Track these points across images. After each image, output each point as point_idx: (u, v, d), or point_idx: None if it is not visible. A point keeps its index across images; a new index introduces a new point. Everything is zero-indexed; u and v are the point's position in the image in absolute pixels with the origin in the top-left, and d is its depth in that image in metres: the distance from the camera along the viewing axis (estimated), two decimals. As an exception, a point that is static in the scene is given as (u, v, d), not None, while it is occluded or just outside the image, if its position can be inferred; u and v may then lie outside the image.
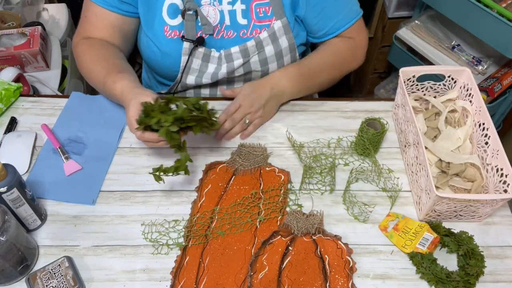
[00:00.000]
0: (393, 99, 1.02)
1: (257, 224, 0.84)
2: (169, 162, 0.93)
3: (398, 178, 0.91)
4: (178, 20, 0.97)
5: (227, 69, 1.01)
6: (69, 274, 0.75)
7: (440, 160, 0.88)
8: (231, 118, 0.95)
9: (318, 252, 0.79)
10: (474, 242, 0.79)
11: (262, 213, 0.85)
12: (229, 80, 1.05)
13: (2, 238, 0.69)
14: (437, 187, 0.86)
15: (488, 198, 0.77)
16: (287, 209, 0.86)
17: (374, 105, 1.05)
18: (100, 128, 0.99)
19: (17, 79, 1.14)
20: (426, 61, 1.65)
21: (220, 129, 0.95)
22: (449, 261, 0.80)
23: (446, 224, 0.83)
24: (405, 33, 1.69)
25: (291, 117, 1.03)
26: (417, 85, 0.98)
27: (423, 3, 1.69)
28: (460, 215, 0.82)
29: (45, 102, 1.06)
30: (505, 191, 0.79)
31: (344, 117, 1.03)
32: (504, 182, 0.79)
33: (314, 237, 0.81)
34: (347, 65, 1.09)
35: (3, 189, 0.73)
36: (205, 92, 1.08)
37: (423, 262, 0.77)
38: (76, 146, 0.96)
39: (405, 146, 0.93)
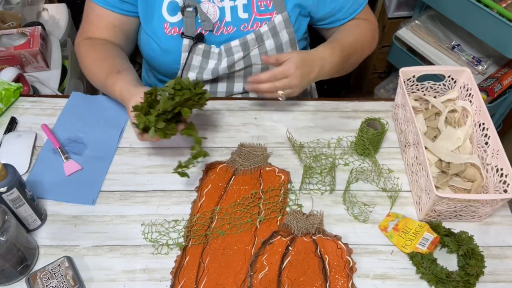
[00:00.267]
0: (393, 99, 1.02)
1: (257, 224, 0.84)
2: (170, 162, 0.93)
3: (398, 178, 0.91)
4: (178, 17, 0.97)
5: (228, 63, 1.01)
6: (69, 274, 0.75)
7: (440, 160, 0.88)
8: (273, 84, 0.91)
9: (318, 252, 0.79)
10: (474, 242, 0.79)
11: (262, 213, 0.85)
12: (230, 75, 1.05)
13: (2, 238, 0.69)
14: (437, 187, 0.86)
15: (488, 198, 0.77)
16: (287, 209, 0.86)
17: (374, 105, 1.05)
18: (100, 128, 0.99)
19: (17, 79, 1.14)
20: (426, 61, 1.65)
21: (256, 84, 0.92)
22: (449, 261, 0.80)
23: (446, 224, 0.83)
24: (405, 33, 1.69)
25: (291, 117, 1.03)
26: (417, 85, 0.98)
27: (423, 3, 1.68)
28: (460, 215, 0.82)
29: (45, 102, 1.06)
30: (505, 191, 0.79)
31: (344, 117, 1.03)
32: (504, 182, 0.79)
33: (314, 237, 0.81)
34: (369, 46, 1.08)
35: (3, 189, 0.73)
36: (206, 88, 1.08)
37: (423, 262, 0.77)
38: (76, 146, 0.96)
39: (405, 146, 0.93)
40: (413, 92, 0.99)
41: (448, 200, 0.77)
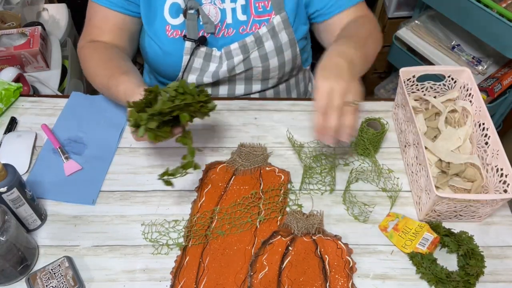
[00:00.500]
0: (393, 99, 1.02)
1: (257, 224, 0.84)
2: (170, 162, 0.93)
3: (398, 178, 0.91)
4: (180, 19, 0.97)
5: (228, 66, 1.01)
6: (69, 274, 0.75)
7: (440, 160, 0.88)
8: (332, 109, 0.73)
9: (318, 252, 0.79)
10: (474, 242, 0.79)
11: (262, 213, 0.85)
12: (230, 78, 1.05)
13: (2, 238, 0.69)
14: (437, 187, 0.86)
15: (488, 198, 0.77)
16: (287, 209, 0.86)
17: (374, 105, 1.05)
18: (100, 128, 0.99)
19: (17, 79, 1.14)
20: (426, 61, 1.65)
21: (322, 127, 0.75)
22: (449, 261, 0.80)
23: (446, 224, 0.83)
24: (405, 33, 1.69)
25: (291, 117, 1.03)
26: (417, 85, 0.98)
27: (423, 3, 1.69)
28: (460, 215, 0.82)
29: (45, 102, 1.06)
30: (505, 191, 0.79)
31: (344, 117, 1.03)
32: (504, 182, 0.79)
33: (314, 237, 0.81)
34: (379, 44, 1.01)
35: (3, 189, 0.73)
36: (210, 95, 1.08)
37: (423, 262, 0.77)
38: (76, 146, 0.96)
39: (405, 146, 0.93)
40: (413, 92, 0.99)
41: (448, 200, 0.77)
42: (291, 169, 0.92)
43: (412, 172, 0.88)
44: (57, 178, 0.90)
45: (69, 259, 0.77)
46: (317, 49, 1.11)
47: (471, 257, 0.77)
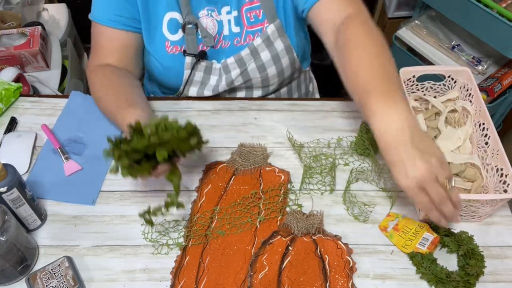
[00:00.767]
0: (393, 99, 1.02)
1: (257, 224, 0.84)
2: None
3: (398, 178, 0.91)
4: (179, 35, 0.97)
5: (226, 80, 1.01)
6: (69, 274, 0.75)
7: (440, 160, 0.88)
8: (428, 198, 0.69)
9: (318, 252, 0.79)
10: (474, 242, 0.79)
11: (262, 213, 0.85)
12: (231, 90, 1.05)
13: (2, 238, 0.69)
14: (437, 187, 0.86)
15: (488, 198, 0.77)
16: (287, 209, 0.86)
17: (374, 105, 1.05)
18: (100, 128, 0.99)
19: (17, 79, 1.14)
20: (426, 61, 1.65)
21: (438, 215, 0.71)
22: (449, 261, 0.79)
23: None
24: (405, 33, 1.69)
25: (291, 117, 1.03)
26: (417, 85, 0.98)
27: (423, 3, 1.69)
28: (460, 215, 0.82)
29: (45, 102, 1.06)
30: (505, 191, 0.79)
31: (344, 117, 1.03)
32: (504, 182, 0.79)
33: (314, 237, 0.81)
34: (386, 48, 0.83)
35: (3, 189, 0.73)
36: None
37: (423, 262, 0.77)
38: (76, 146, 0.96)
39: (405, 146, 0.93)
40: (413, 92, 0.99)
41: (448, 200, 0.77)
42: (291, 169, 0.92)
43: (412, 172, 0.88)
44: (57, 178, 0.90)
45: (69, 259, 0.77)
46: (317, 49, 1.11)
47: (471, 257, 0.77)
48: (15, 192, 0.75)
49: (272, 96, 1.12)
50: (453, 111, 0.96)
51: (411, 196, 0.69)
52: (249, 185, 0.89)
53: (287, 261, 0.79)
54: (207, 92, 1.03)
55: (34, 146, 0.95)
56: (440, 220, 0.71)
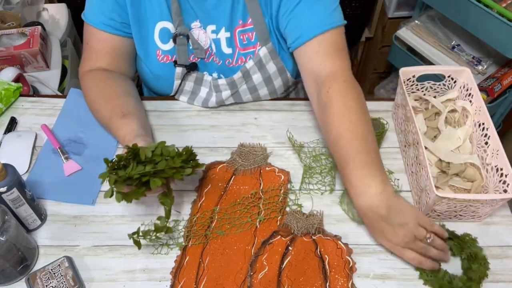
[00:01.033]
0: (393, 99, 1.02)
1: (257, 224, 0.84)
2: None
3: (398, 179, 0.91)
4: (170, 44, 0.96)
5: (216, 98, 1.01)
6: (69, 274, 0.75)
7: (440, 160, 0.88)
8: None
9: (318, 252, 0.79)
10: (478, 245, 0.79)
11: (262, 213, 0.85)
12: (222, 105, 1.05)
13: (2, 238, 0.69)
14: (437, 187, 0.86)
15: (488, 198, 0.77)
16: (287, 209, 0.86)
17: (374, 105, 1.05)
18: (100, 128, 0.98)
19: (17, 79, 1.14)
20: (426, 61, 1.65)
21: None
22: (453, 264, 0.79)
23: (446, 224, 0.83)
24: (405, 33, 1.69)
25: (291, 117, 1.03)
26: (417, 85, 0.98)
27: (423, 3, 1.69)
28: (460, 215, 0.82)
29: (45, 102, 1.06)
30: (505, 191, 0.79)
31: (344, 117, 1.03)
32: (504, 182, 0.79)
33: (314, 237, 0.81)
34: (366, 113, 0.84)
35: (3, 189, 0.73)
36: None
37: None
38: (76, 146, 0.96)
39: (405, 146, 0.93)
40: (413, 92, 0.99)
41: (448, 200, 0.77)
42: (291, 169, 0.92)
43: (412, 172, 0.88)
44: (57, 178, 0.90)
45: (69, 259, 0.77)
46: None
47: (474, 261, 0.77)
48: (15, 192, 0.75)
49: None
50: (453, 111, 0.96)
51: (399, 255, 0.78)
52: (249, 185, 0.89)
53: (287, 261, 0.78)
54: (197, 103, 1.03)
55: (34, 146, 0.95)
56: (433, 267, 0.77)
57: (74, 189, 0.89)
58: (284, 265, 0.78)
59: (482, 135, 0.88)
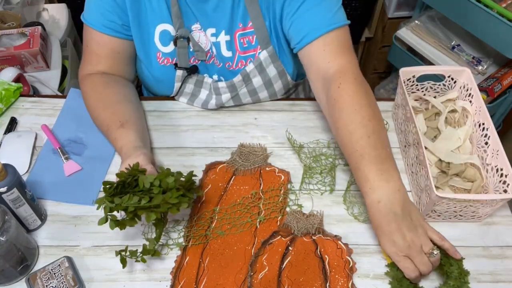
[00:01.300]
0: (393, 99, 1.02)
1: (257, 224, 0.84)
2: (170, 161, 0.93)
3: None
4: (171, 47, 0.96)
5: (216, 101, 1.01)
6: (69, 274, 0.75)
7: (440, 160, 0.88)
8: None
9: (318, 252, 0.79)
10: (465, 268, 0.75)
11: (262, 213, 0.85)
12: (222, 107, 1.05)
13: (2, 238, 0.69)
14: (437, 187, 0.86)
15: (488, 198, 0.77)
16: (287, 209, 0.86)
17: (374, 105, 1.05)
18: (100, 128, 0.99)
19: (17, 79, 1.14)
20: (426, 61, 1.65)
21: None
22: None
23: (446, 224, 0.83)
24: (405, 33, 1.69)
25: (291, 117, 1.03)
26: (417, 85, 0.98)
27: (423, 3, 1.69)
28: (460, 215, 0.82)
29: (45, 102, 1.06)
30: (505, 191, 0.79)
31: (344, 117, 1.03)
32: (504, 182, 0.79)
33: (314, 237, 0.81)
34: (378, 110, 0.82)
35: (3, 189, 0.73)
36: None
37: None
38: (76, 146, 0.96)
39: (405, 146, 0.93)
40: (413, 92, 0.99)
41: (448, 200, 0.77)
42: (291, 169, 0.92)
43: (412, 172, 0.88)
44: (57, 178, 0.90)
45: (69, 259, 0.77)
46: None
47: (453, 279, 0.74)
48: (15, 192, 0.75)
49: None
50: (453, 111, 0.96)
51: (396, 262, 0.73)
52: (249, 185, 0.89)
53: (287, 261, 0.79)
54: (196, 105, 1.03)
55: (34, 146, 0.95)
56: (418, 281, 0.74)
57: (74, 189, 0.89)
58: (284, 265, 0.78)
59: (482, 135, 0.88)
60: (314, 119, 1.02)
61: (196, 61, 0.98)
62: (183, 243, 0.81)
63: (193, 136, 0.99)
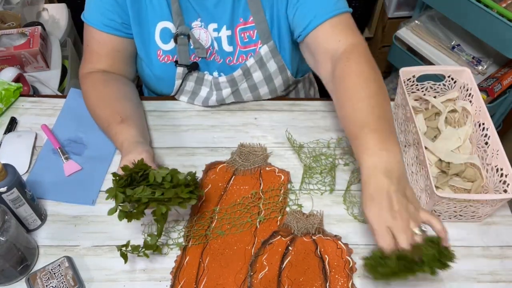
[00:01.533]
0: (393, 99, 1.02)
1: (257, 224, 0.84)
2: (170, 161, 0.93)
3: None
4: (171, 44, 0.96)
5: (217, 97, 1.01)
6: (69, 274, 0.75)
7: (440, 160, 0.88)
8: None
9: (318, 252, 0.79)
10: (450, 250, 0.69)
11: (262, 213, 0.85)
12: (222, 104, 1.05)
13: (2, 238, 0.69)
14: (437, 187, 0.86)
15: (488, 198, 0.77)
16: (287, 209, 0.86)
17: (374, 105, 1.05)
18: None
19: (17, 79, 1.14)
20: (426, 61, 1.65)
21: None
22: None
23: (446, 224, 0.82)
24: (405, 33, 1.69)
25: (291, 117, 1.03)
26: (417, 85, 0.98)
27: (423, 3, 1.69)
28: (460, 215, 0.82)
29: (45, 102, 1.06)
30: (505, 191, 0.79)
31: (344, 117, 1.03)
32: (504, 182, 0.79)
33: (314, 237, 0.81)
34: (384, 86, 0.81)
35: (3, 189, 0.73)
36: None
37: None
38: (76, 146, 0.96)
39: (405, 146, 0.93)
40: (413, 92, 0.99)
41: (448, 200, 0.77)
42: (291, 169, 0.92)
43: (412, 172, 0.88)
44: (57, 178, 0.90)
45: (69, 259, 0.77)
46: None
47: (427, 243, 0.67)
48: (15, 192, 0.75)
49: None
50: (453, 111, 0.96)
51: (374, 230, 0.66)
52: (249, 185, 0.89)
53: (287, 261, 0.79)
54: (197, 103, 1.03)
55: (34, 146, 0.95)
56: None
57: (74, 189, 0.89)
58: (284, 265, 0.78)
59: (482, 135, 0.88)
60: (314, 119, 1.02)
61: (197, 58, 0.98)
62: (183, 243, 0.81)
63: (193, 136, 0.99)
